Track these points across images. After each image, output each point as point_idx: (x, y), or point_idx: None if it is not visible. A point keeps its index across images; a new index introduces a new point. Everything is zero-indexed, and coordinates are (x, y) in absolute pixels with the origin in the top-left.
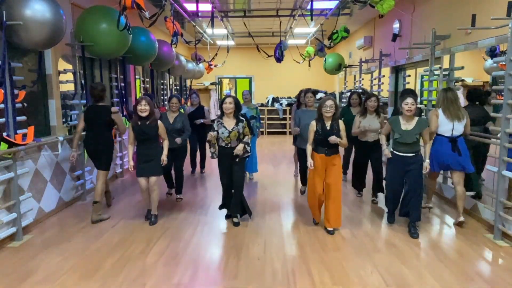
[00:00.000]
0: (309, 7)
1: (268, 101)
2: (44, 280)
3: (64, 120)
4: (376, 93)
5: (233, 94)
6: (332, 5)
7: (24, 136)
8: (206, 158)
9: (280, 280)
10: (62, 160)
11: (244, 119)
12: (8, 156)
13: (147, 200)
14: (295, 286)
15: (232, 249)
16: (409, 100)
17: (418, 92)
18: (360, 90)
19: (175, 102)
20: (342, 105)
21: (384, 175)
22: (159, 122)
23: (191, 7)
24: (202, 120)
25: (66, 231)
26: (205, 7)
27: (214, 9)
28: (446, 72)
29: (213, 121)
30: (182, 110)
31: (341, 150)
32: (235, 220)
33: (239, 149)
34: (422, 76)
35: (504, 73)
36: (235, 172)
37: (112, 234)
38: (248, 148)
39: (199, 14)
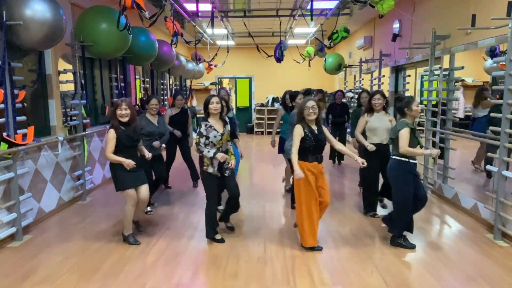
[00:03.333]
0: (309, 7)
1: (268, 101)
2: (44, 280)
3: (64, 120)
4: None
5: (233, 94)
6: (332, 5)
7: (24, 136)
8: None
9: (280, 280)
10: (62, 160)
11: (228, 120)
12: (8, 156)
13: (133, 214)
14: (295, 286)
15: (232, 249)
16: (418, 100)
17: (418, 92)
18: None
19: (155, 103)
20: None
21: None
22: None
23: (191, 7)
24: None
25: (66, 231)
26: (205, 7)
27: (214, 9)
28: (446, 72)
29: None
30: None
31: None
32: (228, 225)
33: (228, 161)
34: (422, 76)
35: (504, 73)
36: (228, 179)
37: (112, 234)
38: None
39: (199, 14)
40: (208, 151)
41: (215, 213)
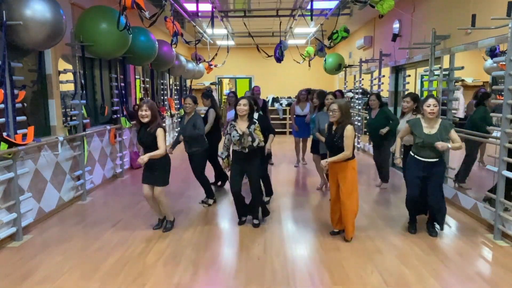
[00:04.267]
0: (309, 7)
1: (268, 101)
2: (44, 280)
3: (64, 120)
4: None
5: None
6: (332, 5)
7: (24, 136)
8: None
9: (280, 280)
10: (62, 160)
11: (257, 122)
12: (8, 156)
13: (153, 207)
14: (295, 286)
15: (232, 249)
16: (431, 101)
17: (418, 92)
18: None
19: (188, 102)
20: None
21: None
22: (158, 129)
23: (191, 7)
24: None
25: (66, 231)
26: (205, 7)
27: (214, 9)
28: (446, 72)
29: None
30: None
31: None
32: (255, 221)
33: (245, 138)
34: (422, 76)
35: (504, 73)
36: (250, 175)
37: (112, 234)
38: (255, 144)
39: (199, 14)
40: (222, 152)
41: (235, 194)
